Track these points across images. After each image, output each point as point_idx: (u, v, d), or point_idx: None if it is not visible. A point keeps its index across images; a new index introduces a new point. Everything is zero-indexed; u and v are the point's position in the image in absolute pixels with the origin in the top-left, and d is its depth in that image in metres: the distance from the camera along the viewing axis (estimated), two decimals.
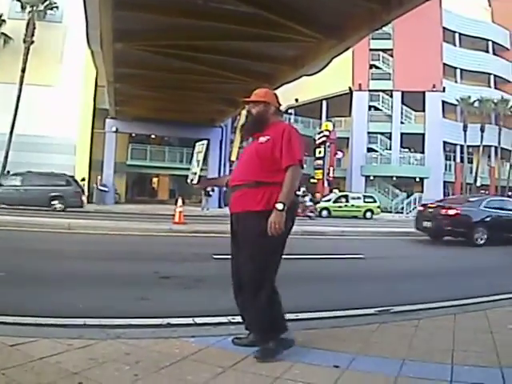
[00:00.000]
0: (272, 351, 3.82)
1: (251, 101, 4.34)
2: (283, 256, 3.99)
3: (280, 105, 4.41)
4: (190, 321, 4.90)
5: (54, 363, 3.50)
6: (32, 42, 33.17)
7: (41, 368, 3.39)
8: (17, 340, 3.93)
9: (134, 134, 39.46)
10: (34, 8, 33.55)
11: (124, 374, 3.40)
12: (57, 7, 34.61)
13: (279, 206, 3.73)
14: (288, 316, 5.26)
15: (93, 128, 36.69)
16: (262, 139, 4.05)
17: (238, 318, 4.10)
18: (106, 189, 34.46)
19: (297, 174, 3.88)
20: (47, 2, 34.07)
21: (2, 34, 34.33)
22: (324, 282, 8.04)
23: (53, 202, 23.46)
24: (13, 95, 32.45)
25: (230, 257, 4.14)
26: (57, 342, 4.00)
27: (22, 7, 33.80)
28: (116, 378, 3.33)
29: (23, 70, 32.57)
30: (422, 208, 18.12)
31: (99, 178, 34.65)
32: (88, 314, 5.03)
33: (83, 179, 32.53)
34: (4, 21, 34.37)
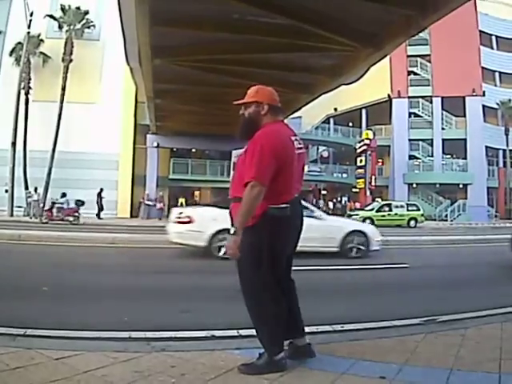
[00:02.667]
0: (258, 368, 3.73)
1: (242, 103, 4.02)
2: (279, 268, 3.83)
3: (277, 101, 4.01)
4: (234, 333, 4.90)
5: (100, 376, 3.55)
6: (71, 61, 33.69)
7: (87, 381, 3.45)
8: (62, 353, 4.00)
9: (175, 149, 39.88)
10: (72, 27, 34.07)
11: None
12: (94, 26, 35.16)
13: (230, 230, 3.59)
14: (334, 327, 5.25)
15: (134, 143, 37.20)
16: (244, 149, 3.84)
17: None
18: (153, 203, 34.96)
19: (252, 192, 3.55)
20: (84, 21, 34.59)
21: (41, 53, 35.00)
22: (369, 293, 7.96)
23: None
24: (54, 113, 33.04)
25: None
26: (102, 355, 4.06)
27: (59, 27, 34.34)
28: None
29: (63, 88, 33.11)
30: None
31: (146, 192, 35.14)
32: (133, 327, 5.09)
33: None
34: (42, 40, 34.99)
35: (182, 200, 37.96)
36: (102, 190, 33.30)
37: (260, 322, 3.82)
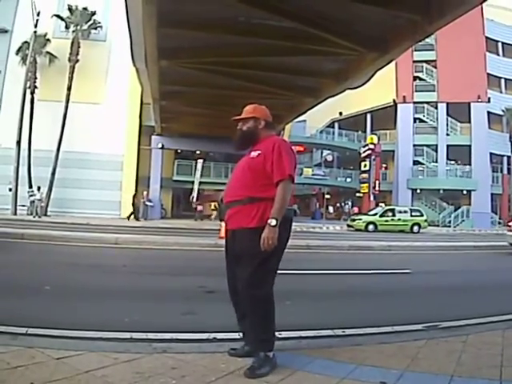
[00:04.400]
0: (258, 370, 3.77)
1: (240, 119, 4.37)
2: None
3: (271, 118, 4.40)
4: (236, 336, 4.89)
5: (101, 376, 3.55)
6: (77, 61, 33.75)
7: (87, 381, 3.45)
8: (63, 353, 4.00)
9: (179, 150, 39.87)
10: (78, 27, 34.10)
11: None
12: (101, 26, 35.17)
13: (272, 222, 3.78)
14: (335, 332, 5.25)
15: (139, 144, 37.18)
16: (254, 154, 4.12)
17: (284, 334, 4.05)
18: (152, 204, 34.94)
19: (287, 188, 3.91)
20: (91, 22, 34.62)
21: (48, 53, 34.94)
22: (371, 298, 7.94)
23: None
24: (59, 113, 33.12)
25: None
26: (103, 355, 4.06)
27: (66, 27, 34.39)
28: None
29: (69, 88, 33.17)
30: None
31: (145, 193, 35.05)
32: (134, 328, 5.09)
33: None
34: (49, 40, 34.95)
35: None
36: (136, 192, 34.15)
37: (256, 319, 3.92)
